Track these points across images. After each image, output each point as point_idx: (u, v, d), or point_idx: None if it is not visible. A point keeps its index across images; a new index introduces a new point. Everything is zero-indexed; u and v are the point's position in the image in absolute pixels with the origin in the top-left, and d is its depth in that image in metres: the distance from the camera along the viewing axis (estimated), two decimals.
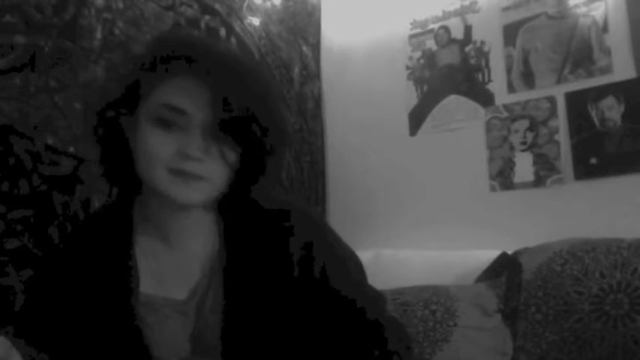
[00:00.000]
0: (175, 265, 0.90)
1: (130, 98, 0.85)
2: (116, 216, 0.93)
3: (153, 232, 0.91)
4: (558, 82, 1.85)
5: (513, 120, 1.93)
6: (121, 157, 0.87)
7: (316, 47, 2.39)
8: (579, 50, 1.83)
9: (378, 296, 0.96)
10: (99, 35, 1.47)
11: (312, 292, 0.89)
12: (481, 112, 2.00)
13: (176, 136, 0.82)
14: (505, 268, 1.63)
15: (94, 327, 0.85)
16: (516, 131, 1.92)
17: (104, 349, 0.84)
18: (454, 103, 2.07)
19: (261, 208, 0.93)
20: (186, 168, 0.81)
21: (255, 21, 2.07)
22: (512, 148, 1.92)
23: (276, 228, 0.90)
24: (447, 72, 2.10)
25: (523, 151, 1.90)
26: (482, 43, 2.02)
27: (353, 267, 0.96)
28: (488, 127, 1.97)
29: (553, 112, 1.85)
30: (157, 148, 0.82)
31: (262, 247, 0.89)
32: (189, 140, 0.82)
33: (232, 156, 0.85)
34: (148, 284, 0.88)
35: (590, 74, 1.80)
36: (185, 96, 0.82)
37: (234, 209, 0.93)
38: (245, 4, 2.01)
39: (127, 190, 0.93)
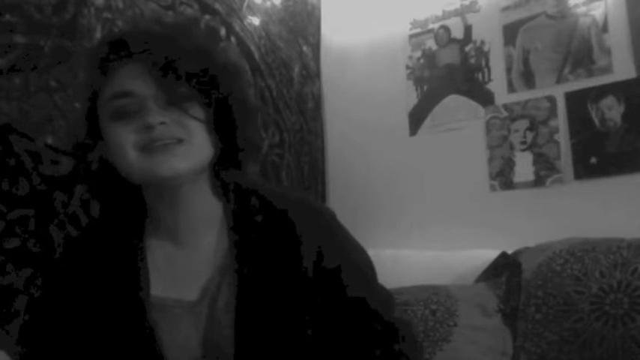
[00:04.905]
0: (186, 264, 0.89)
1: (92, 124, 0.87)
2: (126, 220, 0.93)
3: (163, 233, 0.91)
4: (558, 81, 1.85)
5: (513, 120, 1.93)
6: (113, 181, 0.89)
7: (316, 47, 2.39)
8: (579, 50, 1.83)
9: (388, 297, 0.95)
10: (99, 35, 1.47)
11: (325, 292, 0.88)
12: (481, 112, 2.00)
13: (134, 120, 0.82)
14: (505, 268, 1.63)
15: (106, 333, 0.85)
16: (516, 131, 1.91)
17: (117, 355, 0.84)
18: (454, 102, 2.06)
19: (270, 205, 0.92)
20: (155, 135, 0.81)
21: (255, 21, 2.06)
22: (512, 147, 1.92)
23: (288, 226, 0.90)
24: (447, 72, 2.09)
25: (523, 150, 1.89)
26: (482, 42, 2.02)
27: (365, 267, 0.95)
28: (488, 127, 1.97)
29: (553, 112, 1.85)
30: (121, 135, 0.82)
31: (273, 245, 0.89)
32: (146, 113, 0.82)
33: (198, 111, 0.85)
34: (159, 286, 0.87)
35: (590, 74, 1.80)
36: (129, 80, 0.83)
37: (243, 204, 0.92)
38: (245, 4, 2.01)
39: (133, 210, 0.93)
